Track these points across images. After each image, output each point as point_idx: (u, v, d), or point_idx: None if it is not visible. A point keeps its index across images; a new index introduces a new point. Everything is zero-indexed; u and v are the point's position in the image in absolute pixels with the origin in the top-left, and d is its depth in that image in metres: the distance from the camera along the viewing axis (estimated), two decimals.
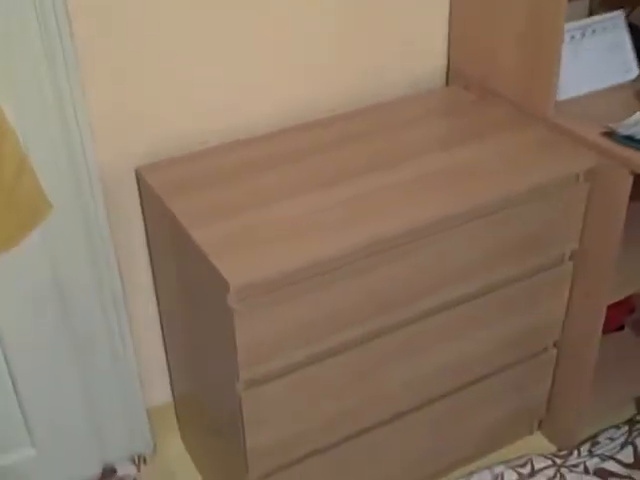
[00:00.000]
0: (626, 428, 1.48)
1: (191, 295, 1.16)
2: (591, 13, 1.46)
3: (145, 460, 1.45)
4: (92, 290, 1.26)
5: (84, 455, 1.38)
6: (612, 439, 1.46)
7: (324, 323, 1.08)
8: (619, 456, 1.43)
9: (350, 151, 1.24)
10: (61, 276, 1.22)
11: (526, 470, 1.42)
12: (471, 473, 1.42)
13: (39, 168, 1.06)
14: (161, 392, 1.46)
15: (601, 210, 1.22)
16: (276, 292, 1.01)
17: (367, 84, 1.40)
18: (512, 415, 1.43)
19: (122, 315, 1.31)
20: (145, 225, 1.29)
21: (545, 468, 1.42)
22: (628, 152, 1.16)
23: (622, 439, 1.46)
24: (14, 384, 1.28)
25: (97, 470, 1.41)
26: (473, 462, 1.44)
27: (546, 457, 1.44)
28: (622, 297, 1.29)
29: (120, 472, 1.42)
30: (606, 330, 1.33)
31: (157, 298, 1.36)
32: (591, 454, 1.44)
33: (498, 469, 1.41)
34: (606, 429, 1.49)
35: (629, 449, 1.44)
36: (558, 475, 1.41)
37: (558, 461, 1.43)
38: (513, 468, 1.42)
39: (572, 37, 1.30)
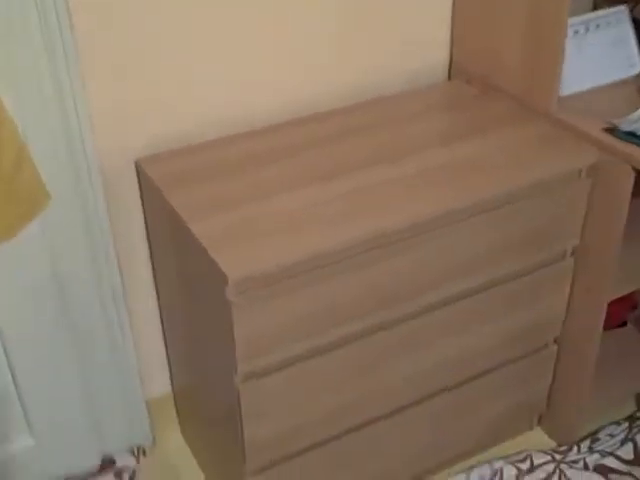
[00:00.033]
0: (626, 424, 1.48)
1: (190, 288, 1.16)
2: (595, 7, 1.45)
3: (144, 452, 1.46)
4: (91, 282, 1.25)
5: (83, 446, 1.38)
6: (612, 435, 1.46)
7: (324, 317, 1.07)
8: (619, 452, 1.43)
9: (351, 145, 1.23)
10: (60, 269, 1.22)
11: (525, 465, 1.41)
12: (471, 468, 1.42)
13: (38, 159, 1.04)
14: (161, 384, 1.47)
15: (603, 206, 1.22)
16: (275, 285, 1.01)
17: (369, 78, 1.39)
18: (512, 410, 1.43)
19: (121, 308, 1.31)
20: (145, 218, 1.29)
21: (545, 464, 1.42)
22: (630, 148, 1.15)
23: (622, 435, 1.46)
24: (13, 376, 1.28)
25: (96, 461, 1.41)
26: (473, 457, 1.44)
27: (546, 453, 1.44)
28: (624, 294, 1.29)
29: (119, 463, 1.42)
30: (608, 326, 1.33)
31: (157, 291, 1.36)
32: (591, 450, 1.44)
33: (498, 464, 1.41)
34: (606, 425, 1.48)
35: (629, 445, 1.44)
36: (558, 471, 1.41)
37: (558, 457, 1.43)
38: (513, 463, 1.42)
39: (576, 32, 1.29)
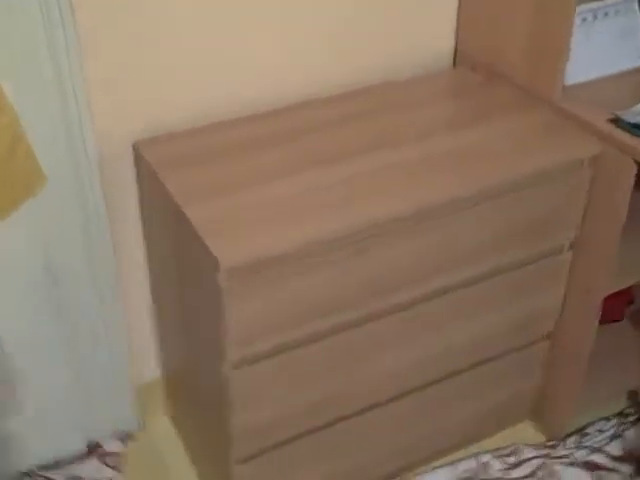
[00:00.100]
0: (616, 421, 1.48)
1: (183, 273, 1.14)
2: None
3: (131, 437, 1.45)
4: (84, 265, 1.24)
5: (70, 430, 1.37)
6: (601, 431, 1.46)
7: (318, 305, 1.06)
8: (607, 448, 1.43)
9: (353, 130, 1.21)
10: (54, 251, 1.20)
11: (512, 459, 1.41)
12: (457, 461, 1.41)
13: (36, 143, 1.06)
14: (151, 369, 1.46)
15: (603, 199, 1.20)
16: (268, 273, 0.99)
17: (373, 64, 1.38)
18: (502, 404, 1.42)
19: (113, 292, 1.29)
20: (141, 201, 1.27)
21: (532, 458, 1.41)
22: (635, 141, 1.13)
23: (611, 431, 1.46)
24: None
25: (83, 445, 1.40)
26: (461, 449, 1.44)
27: (534, 447, 1.43)
28: (620, 288, 1.28)
29: (106, 448, 1.42)
30: (604, 320, 1.32)
31: (149, 274, 1.35)
32: (579, 446, 1.44)
33: (484, 457, 1.41)
34: (596, 421, 1.48)
35: (618, 442, 1.44)
36: (545, 465, 1.40)
37: (545, 451, 1.43)
38: (499, 457, 1.41)
39: (584, 19, 1.27)
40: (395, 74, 1.39)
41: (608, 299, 1.27)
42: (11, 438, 1.32)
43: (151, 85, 1.19)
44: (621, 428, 1.46)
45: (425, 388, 1.27)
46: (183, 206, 1.03)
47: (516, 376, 1.39)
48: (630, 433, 1.44)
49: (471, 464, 1.40)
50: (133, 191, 1.26)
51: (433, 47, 1.42)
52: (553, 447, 1.43)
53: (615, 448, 1.43)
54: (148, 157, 1.14)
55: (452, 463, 1.40)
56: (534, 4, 1.22)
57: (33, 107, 1.07)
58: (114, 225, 1.26)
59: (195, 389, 1.27)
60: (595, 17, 1.28)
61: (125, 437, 1.44)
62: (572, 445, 1.44)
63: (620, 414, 1.49)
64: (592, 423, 1.47)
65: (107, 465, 1.39)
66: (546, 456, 1.42)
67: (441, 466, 1.40)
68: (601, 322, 1.31)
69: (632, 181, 1.15)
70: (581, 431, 1.46)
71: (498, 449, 1.43)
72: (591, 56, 1.28)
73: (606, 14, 1.28)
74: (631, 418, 1.48)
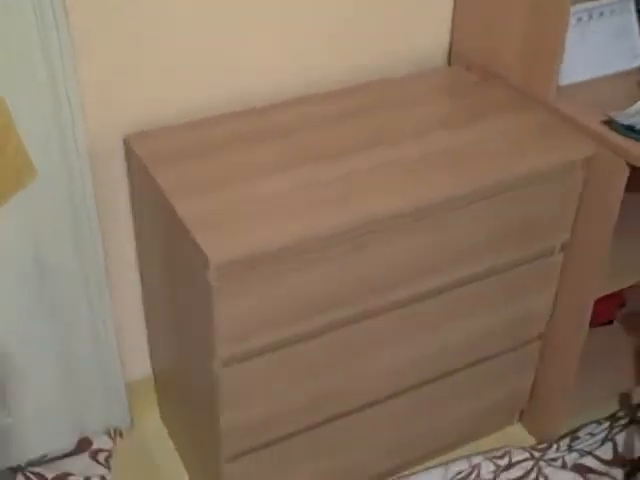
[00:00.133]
0: (607, 424, 1.47)
1: (173, 270, 1.14)
2: None
3: (122, 434, 1.45)
4: (74, 262, 1.23)
5: (60, 426, 1.37)
6: (592, 434, 1.45)
7: (312, 302, 1.05)
8: (598, 452, 1.42)
9: (348, 127, 1.21)
10: (43, 246, 1.19)
11: (504, 462, 1.40)
12: (449, 462, 1.40)
13: (26, 136, 1.05)
14: (142, 366, 1.45)
15: (595, 201, 1.20)
16: (259, 270, 0.98)
17: (368, 61, 1.37)
18: (494, 405, 1.42)
19: (104, 287, 1.29)
20: (132, 197, 1.26)
21: (523, 461, 1.41)
22: (627, 142, 1.12)
23: (602, 435, 1.45)
24: None
25: (73, 442, 1.40)
26: (453, 451, 1.43)
27: (525, 450, 1.43)
28: (612, 291, 1.27)
29: (96, 445, 1.41)
30: (595, 323, 1.31)
31: (140, 271, 1.34)
32: (570, 449, 1.43)
33: (476, 459, 1.41)
34: (587, 424, 1.47)
35: (609, 445, 1.43)
36: (536, 468, 1.40)
37: (536, 454, 1.42)
38: (491, 459, 1.41)
39: (579, 19, 1.26)
40: (389, 72, 1.38)
41: (599, 302, 1.26)
42: (1, 435, 1.32)
43: (146, 83, 1.19)
44: (613, 432, 1.45)
45: (420, 387, 1.27)
46: (173, 201, 1.02)
47: (509, 377, 1.38)
48: (621, 437, 1.44)
49: (463, 465, 1.40)
50: (124, 186, 1.25)
51: (428, 46, 1.41)
52: (544, 450, 1.43)
53: (606, 452, 1.42)
54: (139, 151, 1.13)
55: (444, 464, 1.40)
56: (529, 4, 1.21)
57: (25, 104, 1.06)
58: (105, 222, 1.25)
59: (185, 386, 1.26)
60: (590, 17, 1.27)
61: (116, 434, 1.44)
62: (563, 448, 1.43)
63: (612, 417, 1.49)
64: (583, 426, 1.47)
65: (97, 462, 1.39)
66: (537, 459, 1.41)
67: (434, 467, 1.40)
68: (592, 325, 1.30)
69: (624, 184, 1.14)
70: (572, 434, 1.45)
71: (490, 451, 1.42)
72: (586, 56, 1.27)
73: (601, 14, 1.27)
74: (622, 421, 1.47)
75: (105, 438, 1.42)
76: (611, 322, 1.57)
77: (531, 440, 1.46)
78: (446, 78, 1.41)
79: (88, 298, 1.28)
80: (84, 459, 1.38)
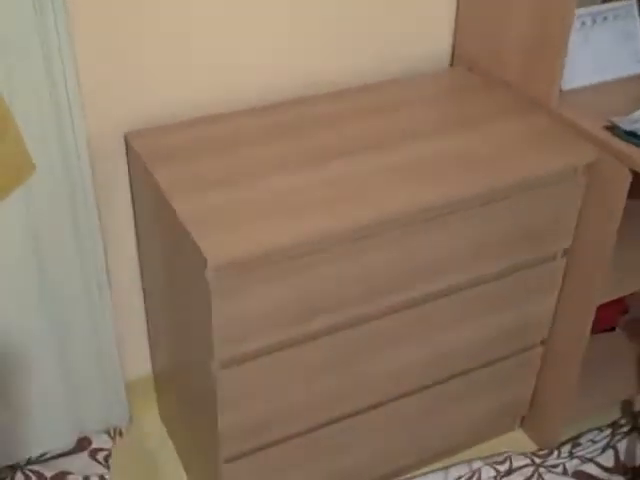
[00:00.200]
0: (609, 431, 1.46)
1: (173, 269, 1.14)
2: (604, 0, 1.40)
3: (121, 433, 1.45)
4: (74, 259, 1.23)
5: (60, 425, 1.37)
6: (594, 441, 1.44)
7: (305, 306, 1.05)
8: (599, 459, 1.41)
9: (348, 128, 1.20)
10: (43, 243, 1.19)
11: (504, 467, 1.40)
12: (450, 466, 1.40)
13: (25, 133, 1.04)
14: (141, 365, 1.45)
15: (597, 206, 1.19)
16: (257, 271, 0.98)
17: (370, 63, 1.37)
18: (495, 410, 1.41)
19: (104, 286, 1.29)
20: (132, 195, 1.26)
21: (523, 467, 1.40)
22: (630, 148, 1.12)
23: (604, 442, 1.44)
24: None
25: (72, 440, 1.40)
26: (453, 455, 1.43)
27: (525, 456, 1.42)
28: (614, 297, 1.26)
29: (95, 444, 1.42)
30: (597, 330, 1.30)
31: (140, 270, 1.34)
32: (571, 455, 1.42)
33: (476, 464, 1.40)
34: (589, 431, 1.46)
35: (610, 452, 1.42)
36: (536, 475, 1.39)
37: (537, 460, 1.41)
38: (491, 464, 1.40)
39: (583, 23, 1.25)
40: (391, 73, 1.39)
41: (602, 308, 1.25)
42: (1, 433, 1.32)
43: (147, 81, 1.19)
44: (614, 439, 1.44)
45: (420, 391, 1.26)
46: (172, 200, 1.02)
47: (510, 382, 1.38)
48: (623, 444, 1.42)
49: (463, 470, 1.39)
50: (125, 185, 1.25)
51: (431, 48, 1.41)
52: (545, 456, 1.42)
53: (607, 459, 1.41)
54: (138, 148, 1.13)
55: (444, 468, 1.39)
56: (532, 7, 1.21)
57: (25, 102, 1.06)
58: (106, 218, 1.25)
59: (184, 387, 1.26)
60: (594, 21, 1.26)
61: (115, 433, 1.44)
62: (564, 455, 1.42)
63: (613, 424, 1.48)
64: (585, 433, 1.46)
65: (96, 460, 1.39)
66: (538, 465, 1.40)
67: (433, 471, 1.39)
68: (595, 331, 1.29)
69: (627, 190, 1.13)
70: (574, 441, 1.44)
71: (490, 456, 1.42)
72: (589, 61, 1.26)
73: (605, 18, 1.26)
74: (624, 429, 1.46)
75: (104, 437, 1.42)
76: (613, 329, 1.56)
77: (532, 446, 1.45)
78: (447, 80, 1.40)
79: (88, 295, 1.28)
80: (83, 458, 1.39)
